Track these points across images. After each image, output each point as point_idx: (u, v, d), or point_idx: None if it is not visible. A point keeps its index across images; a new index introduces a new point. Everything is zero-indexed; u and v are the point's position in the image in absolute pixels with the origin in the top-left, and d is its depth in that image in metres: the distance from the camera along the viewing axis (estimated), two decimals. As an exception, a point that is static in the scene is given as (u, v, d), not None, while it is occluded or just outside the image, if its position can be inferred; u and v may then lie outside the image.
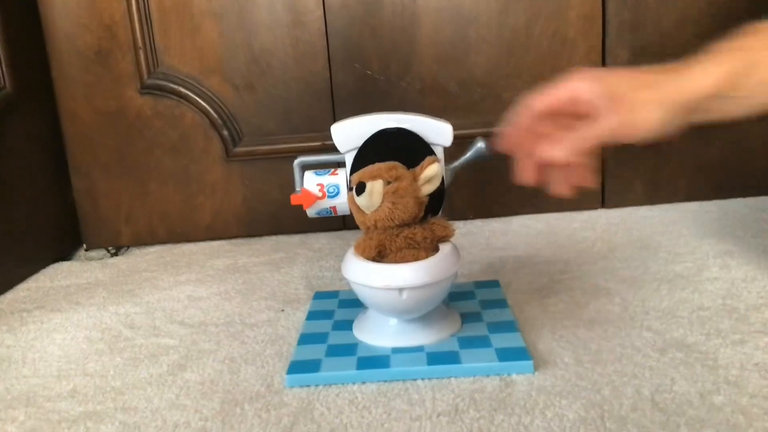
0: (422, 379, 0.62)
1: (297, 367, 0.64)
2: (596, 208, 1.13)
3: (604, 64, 1.07)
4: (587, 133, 0.58)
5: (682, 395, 0.56)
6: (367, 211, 0.65)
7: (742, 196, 1.12)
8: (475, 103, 1.09)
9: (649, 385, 0.58)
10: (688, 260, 0.86)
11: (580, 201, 1.12)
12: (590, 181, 0.62)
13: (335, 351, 0.67)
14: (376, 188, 0.64)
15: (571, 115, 0.60)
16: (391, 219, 0.65)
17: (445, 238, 0.68)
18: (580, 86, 0.59)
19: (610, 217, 1.07)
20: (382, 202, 0.64)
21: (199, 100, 1.07)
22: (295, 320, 0.78)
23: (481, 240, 1.02)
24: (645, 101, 0.58)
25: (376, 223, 0.65)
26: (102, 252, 1.12)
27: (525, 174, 0.62)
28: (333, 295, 0.82)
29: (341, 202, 0.76)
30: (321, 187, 0.77)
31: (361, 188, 0.64)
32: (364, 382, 0.62)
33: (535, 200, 1.12)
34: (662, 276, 0.82)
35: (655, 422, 0.53)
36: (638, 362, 0.62)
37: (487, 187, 1.11)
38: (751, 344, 0.63)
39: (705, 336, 0.66)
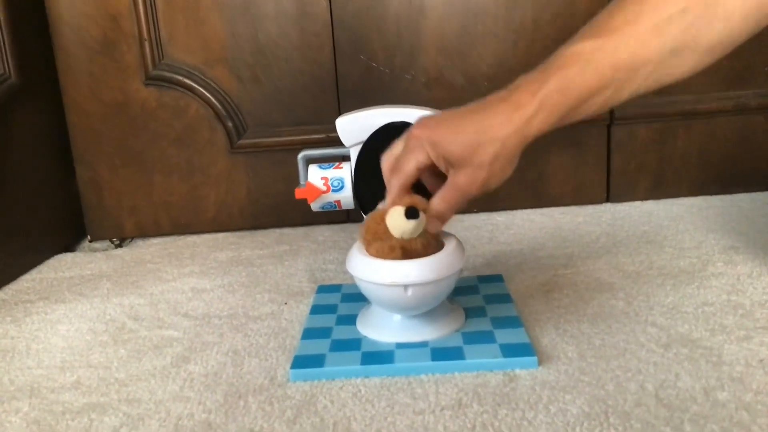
0: (426, 374, 0.62)
1: (301, 361, 0.64)
2: (601, 203, 1.12)
3: (610, 57, 1.06)
4: (445, 196, 0.62)
5: (686, 391, 0.56)
6: (403, 236, 0.63)
7: (747, 191, 1.12)
8: (481, 96, 1.08)
9: (653, 380, 0.58)
10: (693, 255, 0.86)
11: (584, 195, 1.12)
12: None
13: (339, 346, 0.67)
14: (423, 219, 0.62)
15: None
16: (417, 253, 0.64)
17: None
18: (419, 160, 0.61)
19: (615, 212, 1.07)
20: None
21: (204, 92, 1.07)
22: (299, 313, 0.78)
23: (485, 234, 1.01)
24: (483, 157, 0.59)
25: (400, 245, 0.63)
26: (106, 243, 1.12)
27: None
28: (336, 288, 0.82)
29: (345, 196, 0.76)
30: (325, 180, 0.77)
31: (414, 214, 0.61)
32: (368, 377, 0.62)
33: (540, 194, 1.12)
34: (667, 271, 0.81)
35: (659, 418, 0.53)
36: (642, 358, 0.62)
37: (491, 180, 1.11)
38: (756, 340, 0.63)
39: (710, 332, 0.66)
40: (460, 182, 0.61)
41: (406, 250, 0.63)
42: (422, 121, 0.63)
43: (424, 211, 0.63)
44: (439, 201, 0.63)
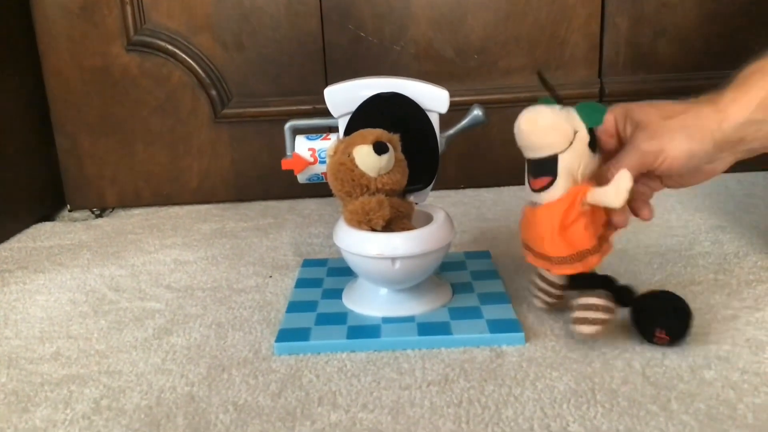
0: (412, 349, 0.61)
1: (286, 335, 0.63)
2: (588, 180, 1.12)
3: (602, 32, 1.05)
4: (618, 163, 0.59)
5: (673, 369, 0.56)
6: (380, 173, 0.63)
7: (734, 171, 1.11)
8: (471, 70, 1.07)
9: (640, 358, 0.58)
10: (680, 234, 0.86)
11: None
12: (645, 213, 0.64)
13: (325, 320, 0.66)
14: (392, 151, 0.63)
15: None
16: (401, 183, 0.64)
17: (408, 214, 0.67)
18: (609, 119, 0.61)
19: (603, 190, 1.07)
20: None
21: (187, 59, 1.04)
22: (284, 287, 0.77)
23: (473, 210, 1.01)
24: (672, 129, 0.58)
25: (384, 186, 0.63)
26: (86, 213, 1.10)
27: None
28: (322, 262, 0.81)
29: (333, 168, 0.74)
30: (312, 152, 0.75)
31: (383, 148, 0.62)
32: (353, 351, 0.61)
33: (528, 170, 1.11)
34: (654, 250, 0.81)
35: (645, 395, 0.53)
36: (629, 336, 0.62)
37: (478, 156, 1.10)
38: (743, 320, 0.63)
39: (696, 311, 0.65)
40: (637, 151, 0.59)
41: (392, 205, 0.64)
42: None
43: (390, 142, 0.63)
44: (615, 162, 0.60)
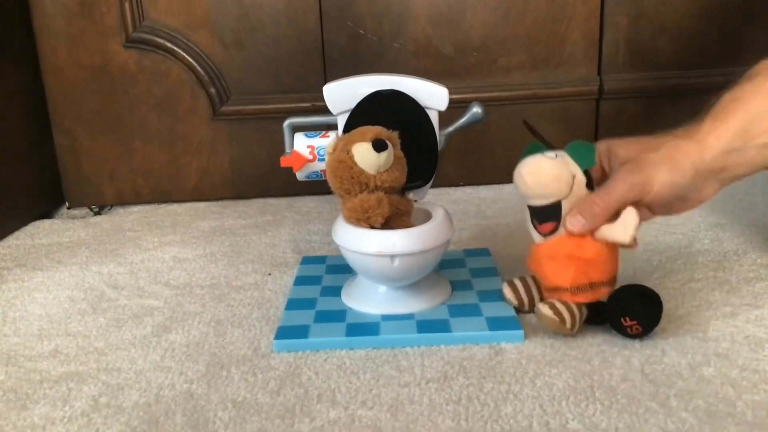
0: (411, 346, 0.61)
1: (285, 332, 0.63)
2: (588, 178, 1.12)
3: (602, 30, 1.05)
4: (606, 195, 0.60)
5: (672, 366, 0.56)
6: (379, 170, 0.62)
7: (734, 169, 1.11)
8: (470, 67, 1.06)
9: (639, 356, 0.58)
10: (680, 232, 0.86)
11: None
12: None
13: (324, 317, 0.66)
14: (391, 148, 0.63)
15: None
16: (400, 181, 0.64)
17: (407, 211, 0.67)
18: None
19: (602, 187, 1.07)
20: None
21: (186, 56, 1.04)
22: (282, 284, 0.77)
23: (472, 207, 1.01)
24: (655, 162, 0.60)
25: (383, 183, 0.63)
26: (84, 210, 1.10)
27: None
28: (321, 260, 0.81)
29: (332, 165, 0.74)
30: (311, 149, 0.75)
31: (383, 145, 0.62)
32: (353, 349, 0.61)
33: (527, 168, 1.11)
34: (653, 247, 0.81)
35: (644, 393, 0.52)
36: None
37: (477, 154, 1.10)
38: (742, 317, 0.63)
39: (696, 308, 0.66)
40: (622, 184, 0.60)
41: (391, 202, 0.63)
42: None
43: (389, 140, 0.63)
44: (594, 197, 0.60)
